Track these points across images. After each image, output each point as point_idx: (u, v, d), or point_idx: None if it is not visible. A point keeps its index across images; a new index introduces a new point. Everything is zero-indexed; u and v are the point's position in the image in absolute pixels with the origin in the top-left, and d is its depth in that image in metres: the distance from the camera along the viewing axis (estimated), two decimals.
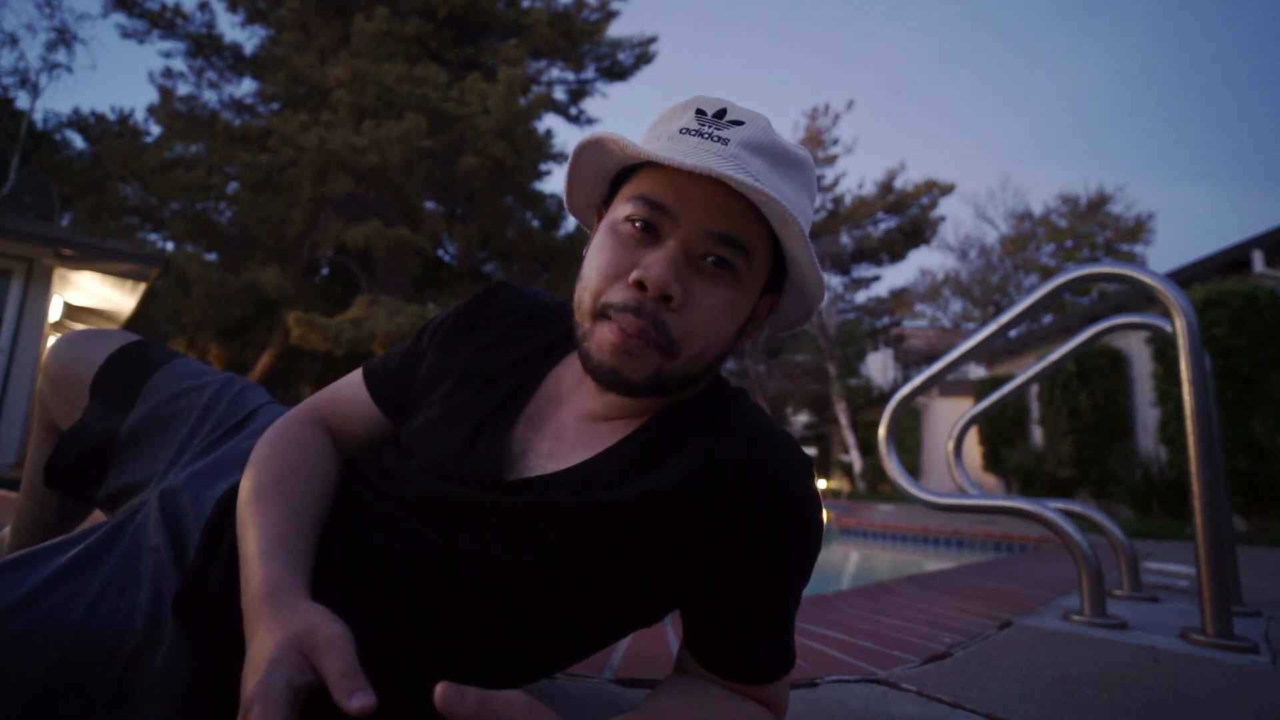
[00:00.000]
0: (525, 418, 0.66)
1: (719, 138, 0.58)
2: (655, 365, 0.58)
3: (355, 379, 0.75)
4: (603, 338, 0.58)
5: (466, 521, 0.61)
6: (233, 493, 0.70)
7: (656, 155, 0.55)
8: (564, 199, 0.68)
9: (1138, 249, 23.35)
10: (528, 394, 0.68)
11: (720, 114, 0.60)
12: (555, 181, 21.32)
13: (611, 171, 0.65)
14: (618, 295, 0.58)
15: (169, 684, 0.58)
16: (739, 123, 0.59)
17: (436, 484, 0.62)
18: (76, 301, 9.26)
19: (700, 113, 0.60)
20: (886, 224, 22.31)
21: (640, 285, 0.57)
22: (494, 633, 0.60)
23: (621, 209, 0.60)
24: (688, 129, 0.59)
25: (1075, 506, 2.16)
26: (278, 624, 0.48)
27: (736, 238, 0.58)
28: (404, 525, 0.61)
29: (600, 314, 0.59)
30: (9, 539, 1.00)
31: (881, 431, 2.04)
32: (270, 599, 0.51)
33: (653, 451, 0.62)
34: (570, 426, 0.65)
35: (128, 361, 0.88)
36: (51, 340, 9.70)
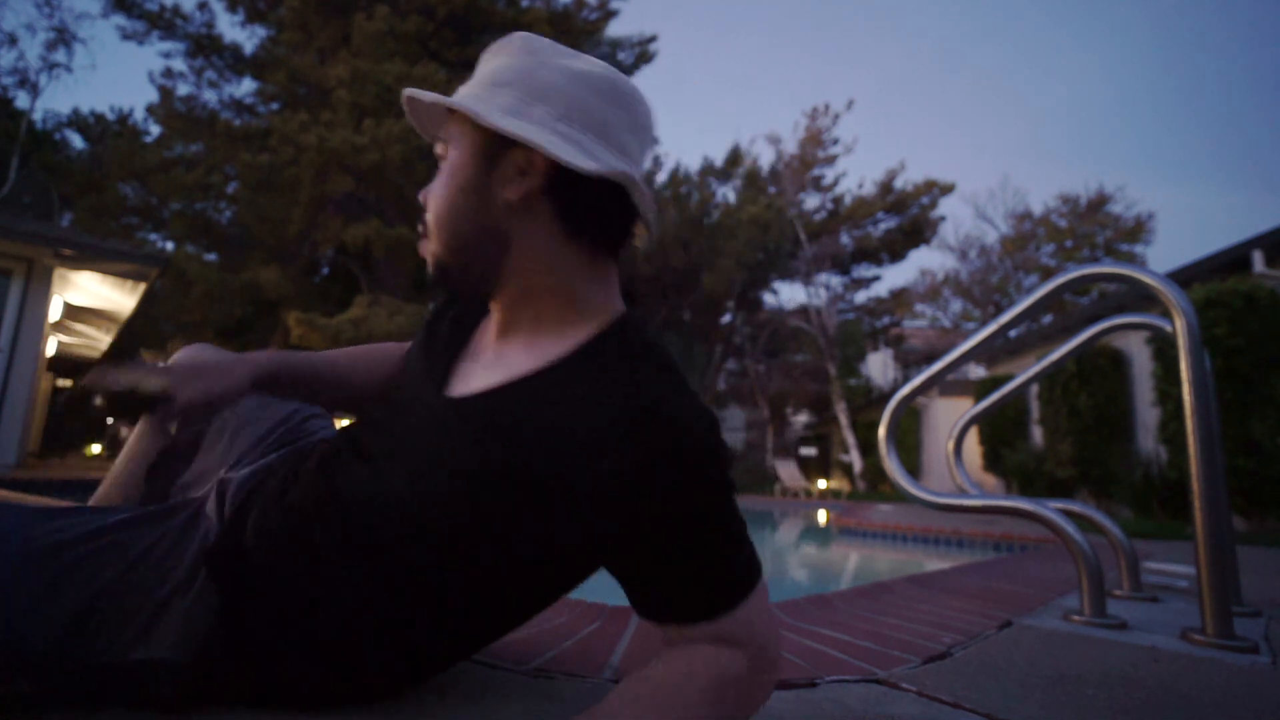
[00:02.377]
0: (467, 353, 0.78)
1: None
2: (429, 253, 0.74)
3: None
4: None
5: (409, 437, 0.71)
6: (260, 472, 0.84)
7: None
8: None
9: (1138, 249, 23.36)
10: (469, 334, 0.81)
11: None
12: None
13: None
14: None
15: (191, 626, 0.66)
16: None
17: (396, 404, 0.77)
18: (76, 301, 9.25)
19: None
20: (886, 224, 22.30)
21: None
22: (418, 567, 0.67)
23: None
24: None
25: (1075, 506, 2.16)
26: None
27: (429, 137, 0.77)
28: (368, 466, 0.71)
29: None
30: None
31: (881, 431, 2.04)
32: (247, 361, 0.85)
33: (554, 391, 0.67)
34: (489, 352, 0.75)
35: None
36: (51, 340, 9.69)
